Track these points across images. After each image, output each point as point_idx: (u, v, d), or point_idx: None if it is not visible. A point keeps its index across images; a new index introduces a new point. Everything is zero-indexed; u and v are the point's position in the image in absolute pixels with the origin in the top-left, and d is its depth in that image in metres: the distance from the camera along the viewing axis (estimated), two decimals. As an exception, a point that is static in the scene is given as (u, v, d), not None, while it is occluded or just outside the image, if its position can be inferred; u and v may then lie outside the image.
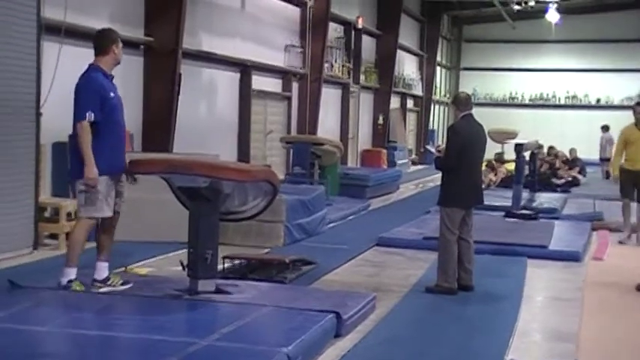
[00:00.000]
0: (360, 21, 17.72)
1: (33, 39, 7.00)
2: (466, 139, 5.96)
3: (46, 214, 7.38)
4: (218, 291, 5.08)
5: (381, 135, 19.72)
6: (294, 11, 14.80)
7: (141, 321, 4.57)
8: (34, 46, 7.01)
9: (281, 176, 10.13)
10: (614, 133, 13.89)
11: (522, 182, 10.86)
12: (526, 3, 21.86)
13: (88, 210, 5.10)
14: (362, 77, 18.55)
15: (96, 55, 5.22)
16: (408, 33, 21.99)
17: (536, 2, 21.95)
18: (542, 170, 14.66)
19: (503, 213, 10.16)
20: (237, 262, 6.40)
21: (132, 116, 8.44)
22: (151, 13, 9.94)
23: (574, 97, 27.12)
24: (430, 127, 24.72)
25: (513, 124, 18.96)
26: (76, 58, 7.13)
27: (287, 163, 13.66)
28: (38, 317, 4.58)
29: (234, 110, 12.46)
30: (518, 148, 10.80)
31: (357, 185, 12.66)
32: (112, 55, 5.21)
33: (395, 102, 21.18)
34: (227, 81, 12.22)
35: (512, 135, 12.50)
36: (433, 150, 7.33)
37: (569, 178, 15.17)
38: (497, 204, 10.55)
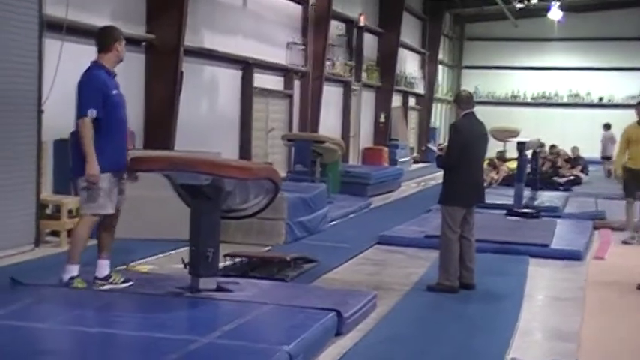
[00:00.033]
0: (362, 19, 17.70)
1: (35, 36, 7.00)
2: (468, 137, 5.95)
3: (48, 211, 7.38)
4: (219, 289, 5.08)
5: (383, 133, 19.71)
6: (296, 9, 14.79)
7: (142, 318, 4.58)
8: (35, 43, 7.01)
9: (282, 174, 10.11)
10: (616, 132, 13.89)
11: (524, 181, 10.84)
12: (528, 1, 21.85)
13: (91, 207, 5.10)
14: (364, 75, 18.53)
15: (99, 52, 5.22)
16: (410, 31, 21.97)
17: (539, 0, 21.92)
18: (544, 169, 14.65)
19: (504, 211, 10.15)
20: (238, 259, 6.40)
21: (133, 114, 8.45)
22: (152, 10, 9.93)
23: (576, 95, 27.09)
24: (432, 125, 24.70)
25: (515, 123, 18.93)
26: (78, 56, 7.13)
27: (288, 161, 13.65)
28: (39, 314, 4.59)
29: (235, 108, 12.45)
30: (520, 146, 10.78)
31: (359, 183, 12.65)
32: (115, 53, 5.21)
33: (397, 100, 21.16)
34: (229, 79, 12.22)
35: (514, 133, 12.48)
36: (435, 148, 7.34)
37: (571, 177, 15.15)
38: (498, 202, 10.54)
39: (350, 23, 17.41)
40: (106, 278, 5.23)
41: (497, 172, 14.39)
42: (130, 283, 5.28)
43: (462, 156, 5.90)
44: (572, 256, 7.54)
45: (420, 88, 23.55)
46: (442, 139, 24.23)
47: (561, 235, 8.51)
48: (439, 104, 26.42)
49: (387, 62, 19.72)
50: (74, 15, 8.21)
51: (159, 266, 6.43)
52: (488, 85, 27.42)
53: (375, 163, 17.64)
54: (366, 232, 8.62)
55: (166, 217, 7.21)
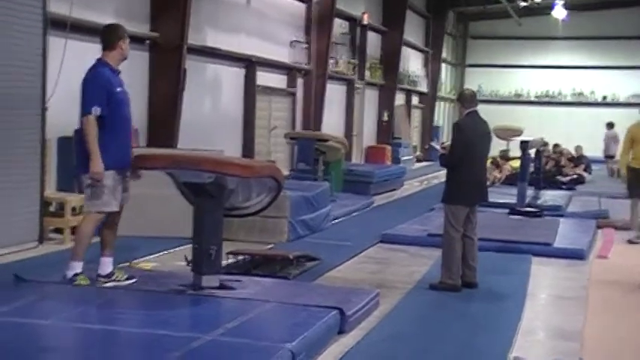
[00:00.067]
0: (365, 17, 17.68)
1: (39, 34, 7.01)
2: (471, 136, 5.95)
3: (52, 209, 7.40)
4: (222, 286, 5.09)
5: (386, 131, 19.69)
6: (300, 7, 14.78)
7: (145, 316, 4.59)
8: (39, 41, 7.02)
9: (285, 172, 10.12)
10: (620, 131, 13.86)
11: (527, 179, 10.84)
12: (533, -1, 21.81)
13: (95, 204, 5.12)
14: (367, 73, 18.52)
15: (103, 50, 5.23)
16: (413, 29, 21.94)
17: (543, -1, 21.89)
18: (548, 168, 14.63)
19: (507, 210, 10.15)
20: (241, 257, 6.40)
21: (136, 111, 8.42)
22: (156, 8, 9.94)
23: (580, 94, 27.03)
24: (435, 123, 24.68)
25: (519, 122, 18.94)
26: (82, 53, 7.16)
27: (291, 159, 13.63)
28: (43, 311, 4.60)
29: (238, 106, 12.46)
30: (524, 145, 10.77)
31: (362, 182, 12.65)
32: (119, 51, 5.22)
33: (400, 98, 21.14)
34: (232, 77, 12.22)
35: (518, 132, 12.50)
36: (438, 147, 7.32)
37: (575, 176, 15.13)
38: (501, 201, 10.54)
39: (353, 21, 17.39)
40: (109, 276, 5.24)
41: (501, 171, 14.37)
42: (133, 280, 5.29)
43: (465, 154, 5.89)
44: (575, 255, 7.53)
45: (423, 87, 23.52)
46: (445, 137, 24.21)
47: (564, 234, 8.50)
48: (442, 103, 26.39)
49: (390, 60, 19.70)
50: (78, 13, 8.22)
51: (162, 264, 6.44)
52: (491, 83, 27.38)
53: (378, 162, 17.64)
54: (369, 231, 8.62)
55: (169, 214, 7.22)
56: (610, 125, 18.87)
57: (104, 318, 4.49)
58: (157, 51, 9.94)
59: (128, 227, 5.98)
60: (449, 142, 6.46)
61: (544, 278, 6.76)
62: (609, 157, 18.24)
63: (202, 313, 4.68)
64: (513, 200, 10.47)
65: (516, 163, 12.87)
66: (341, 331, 4.62)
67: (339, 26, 16.58)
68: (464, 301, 5.63)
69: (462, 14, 27.13)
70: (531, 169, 11.60)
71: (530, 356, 4.41)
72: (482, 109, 6.30)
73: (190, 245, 5.21)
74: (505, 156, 15.50)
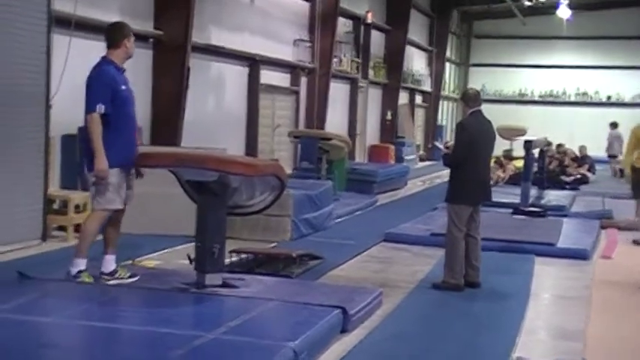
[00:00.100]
0: (369, 16, 17.67)
1: (43, 31, 7.02)
2: (475, 135, 5.94)
3: (55, 206, 7.41)
4: (225, 285, 5.09)
5: (389, 130, 19.68)
6: (303, 6, 14.78)
7: (147, 313, 4.59)
8: (44, 39, 7.03)
9: (288, 171, 10.12)
10: (625, 131, 13.82)
11: (531, 179, 10.82)
12: (537, -1, 21.76)
13: (99, 202, 5.13)
14: (370, 72, 18.51)
15: (108, 48, 5.23)
16: (417, 28, 21.91)
17: (547, -2, 21.84)
18: (551, 167, 14.61)
19: (511, 210, 10.13)
20: (244, 256, 6.40)
21: (140, 110, 8.45)
22: (160, 6, 9.94)
23: (584, 94, 26.98)
24: (439, 123, 24.66)
25: (522, 121, 18.90)
26: (86, 51, 7.17)
27: (294, 158, 13.65)
28: (46, 308, 4.60)
29: (242, 104, 12.46)
30: (527, 145, 10.75)
31: (365, 181, 12.64)
32: (124, 49, 5.22)
33: (403, 97, 21.13)
34: (235, 75, 12.22)
35: (522, 132, 12.46)
36: (441, 146, 7.30)
37: (578, 176, 15.10)
38: (505, 201, 10.52)
39: (357, 20, 17.38)
40: (112, 273, 5.25)
41: (504, 171, 14.36)
42: (136, 278, 5.30)
43: (469, 154, 5.88)
44: (579, 255, 7.52)
45: (426, 86, 23.50)
46: (448, 136, 24.19)
47: (568, 234, 8.49)
48: (446, 102, 26.36)
49: (394, 59, 19.68)
50: (82, 10, 8.23)
51: (165, 262, 6.44)
52: (495, 83, 27.34)
53: (382, 161, 17.64)
54: (372, 230, 8.62)
55: (172, 212, 7.22)
56: (614, 125, 18.83)
57: (107, 316, 4.50)
58: (161, 49, 9.95)
59: (131, 225, 5.99)
60: (452, 142, 6.45)
61: (547, 278, 6.75)
62: (612, 156, 18.21)
63: (205, 312, 4.68)
64: (517, 200, 10.46)
65: (520, 163, 12.86)
66: (344, 330, 4.61)
67: (343, 25, 16.57)
68: (467, 301, 5.63)
69: (466, 13, 27.09)
70: (535, 168, 11.58)
71: (533, 356, 4.41)
72: (486, 109, 6.29)
73: (193, 243, 5.22)
74: (509, 156, 15.48)
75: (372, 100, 19.04)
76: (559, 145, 16.52)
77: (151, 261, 6.43)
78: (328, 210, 8.97)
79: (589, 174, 15.74)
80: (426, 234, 8.12)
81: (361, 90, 17.98)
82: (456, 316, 5.20)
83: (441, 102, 24.74)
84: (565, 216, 10.21)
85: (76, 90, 5.96)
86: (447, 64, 25.63)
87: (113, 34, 5.25)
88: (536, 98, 27.44)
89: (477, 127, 6.00)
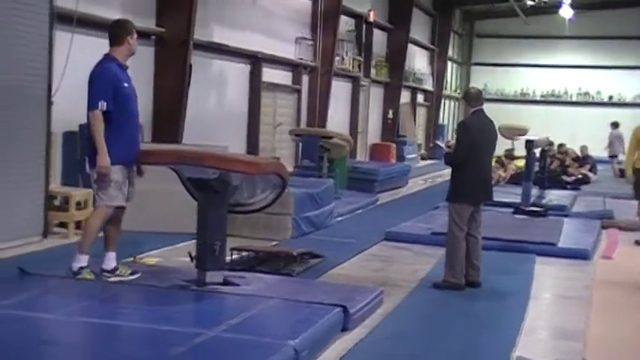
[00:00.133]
0: (371, 14, 17.65)
1: (45, 28, 7.01)
2: (476, 134, 5.93)
3: (56, 203, 7.41)
4: (225, 282, 5.09)
5: (391, 129, 19.68)
6: (306, 4, 14.77)
7: (148, 311, 4.59)
8: (46, 35, 7.02)
9: (290, 169, 10.12)
10: (626, 131, 13.80)
11: (532, 179, 10.81)
12: (539, -2, 21.73)
13: (103, 199, 5.13)
14: (372, 71, 18.50)
15: (111, 45, 5.23)
16: (419, 27, 21.90)
17: (550, -2, 21.81)
18: (553, 167, 14.60)
19: (512, 209, 10.13)
20: (244, 254, 6.41)
21: (142, 106, 8.39)
22: (162, 3, 9.93)
23: (586, 93, 26.96)
24: (440, 122, 24.65)
25: (524, 121, 18.89)
26: (88, 48, 7.16)
27: (296, 156, 13.65)
28: (47, 305, 4.61)
29: (243, 102, 12.46)
30: (529, 144, 10.74)
31: (366, 179, 12.64)
32: (127, 46, 5.22)
33: (405, 96, 21.12)
34: (237, 73, 12.22)
35: (523, 131, 12.44)
36: (443, 145, 7.31)
37: (579, 176, 15.10)
38: (506, 200, 10.52)
39: (359, 19, 17.36)
40: (113, 271, 5.25)
41: (505, 170, 14.35)
42: (137, 275, 5.30)
43: (471, 153, 5.88)
44: (580, 255, 7.52)
45: (428, 85, 23.49)
46: (450, 136, 24.17)
47: (569, 234, 8.48)
48: (447, 101, 26.35)
49: (395, 58, 19.67)
50: (85, 7, 8.23)
51: (165, 259, 6.45)
52: (497, 82, 27.33)
53: (383, 160, 17.64)
54: (373, 229, 8.62)
55: (173, 210, 7.23)
56: (614, 125, 18.81)
57: (108, 313, 4.50)
58: (163, 46, 9.94)
59: (132, 222, 5.99)
60: (454, 141, 6.44)
61: (548, 278, 6.75)
62: (613, 156, 18.20)
63: (206, 309, 4.68)
64: (518, 200, 10.45)
65: (521, 163, 12.85)
66: (344, 329, 4.62)
67: (345, 23, 16.55)
68: (467, 300, 5.63)
69: (468, 12, 27.07)
70: (536, 168, 11.57)
71: (533, 355, 4.40)
72: (488, 108, 6.29)
73: (194, 241, 5.22)
74: (510, 155, 15.47)
75: (374, 98, 19.03)
76: (560, 145, 16.51)
77: (151, 258, 6.43)
78: (329, 208, 8.97)
79: (590, 174, 15.73)
80: (426, 233, 8.12)
81: (363, 88, 17.98)
82: (456, 316, 5.20)
83: (442, 101, 24.73)
84: (566, 216, 10.21)
85: (77, 87, 5.96)
86: (449, 63, 25.61)
87: (116, 31, 5.25)
88: (538, 98, 27.42)
89: (478, 126, 6.00)
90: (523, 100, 27.34)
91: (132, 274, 5.30)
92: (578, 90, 27.02)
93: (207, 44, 10.94)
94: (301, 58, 14.39)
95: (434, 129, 23.70)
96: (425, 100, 23.62)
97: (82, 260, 5.12)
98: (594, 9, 25.13)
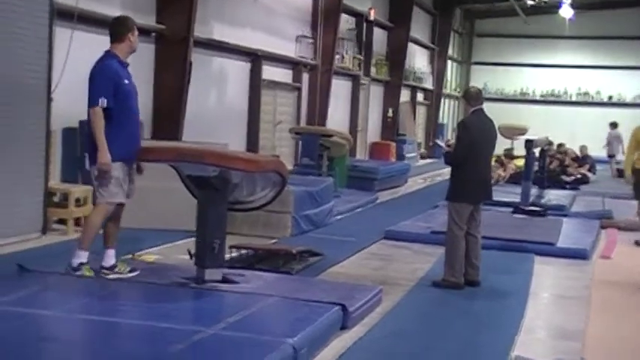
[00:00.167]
0: (372, 13, 17.64)
1: (45, 24, 7.00)
2: (476, 134, 5.93)
3: (55, 199, 7.41)
4: (224, 280, 5.09)
5: (391, 128, 19.68)
6: (306, 2, 14.76)
7: (147, 308, 4.59)
8: (46, 32, 7.01)
9: (289, 167, 10.11)
10: (626, 131, 13.82)
11: (531, 179, 10.81)
12: (540, -2, 21.72)
13: (104, 195, 5.13)
14: (372, 69, 18.49)
15: (112, 42, 5.22)
16: (419, 26, 21.89)
17: (550, -3, 21.80)
18: (552, 167, 14.60)
19: (511, 209, 10.13)
20: (244, 251, 6.41)
21: (141, 104, 8.39)
22: (162, 0, 9.92)
23: (586, 93, 26.97)
24: (440, 121, 24.65)
25: (524, 120, 18.93)
26: (88, 44, 7.16)
27: (296, 154, 13.65)
28: (46, 301, 4.60)
29: (243, 100, 12.45)
30: (528, 144, 10.74)
31: (366, 178, 12.65)
32: (128, 43, 5.21)
33: (405, 95, 21.12)
34: (237, 70, 12.21)
35: (523, 131, 12.47)
36: (443, 144, 7.31)
37: (579, 176, 15.10)
38: (505, 200, 10.52)
39: (360, 17, 17.36)
40: (112, 268, 5.25)
41: (505, 170, 14.35)
42: (136, 272, 5.30)
43: (470, 153, 5.88)
44: (579, 254, 7.52)
45: (428, 84, 23.49)
46: (449, 134, 24.18)
47: (568, 234, 8.48)
48: (447, 100, 26.35)
49: (396, 57, 19.67)
50: (85, 4, 8.22)
51: (165, 256, 6.44)
52: (497, 81, 27.33)
53: (382, 158, 17.64)
54: (373, 227, 8.62)
55: (172, 207, 7.22)
56: (613, 125, 18.83)
57: (107, 310, 4.50)
58: (163, 43, 9.93)
59: (132, 219, 5.98)
60: (454, 140, 6.45)
61: (547, 277, 6.75)
62: (611, 156, 18.22)
63: (205, 307, 4.68)
64: (517, 199, 10.45)
65: (521, 162, 12.85)
66: (343, 327, 4.62)
67: (346, 22, 16.55)
68: (466, 299, 5.63)
69: (468, 12, 27.06)
70: (535, 168, 11.57)
71: (532, 355, 4.40)
72: (488, 108, 6.29)
73: (194, 238, 5.22)
74: (509, 155, 15.48)
75: (374, 97, 19.02)
76: (560, 145, 16.52)
77: (150, 255, 6.43)
78: (329, 207, 8.96)
79: (589, 174, 15.74)
80: (426, 232, 8.12)
81: (363, 87, 17.97)
82: (455, 315, 5.20)
83: (442, 100, 24.73)
84: (565, 215, 10.21)
85: (77, 83, 5.96)
86: (449, 62, 25.61)
87: (117, 28, 5.24)
88: (538, 97, 27.43)
89: (478, 125, 6.00)
90: (523, 99, 27.35)
91: (131, 271, 5.29)
92: (578, 90, 27.03)
93: (207, 42, 10.93)
94: (301, 56, 14.38)
95: (433, 128, 23.71)
96: (425, 98, 23.62)
97: (82, 256, 5.12)
98: (594, 9, 25.12)
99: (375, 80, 18.89)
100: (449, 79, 26.07)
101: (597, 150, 18.17)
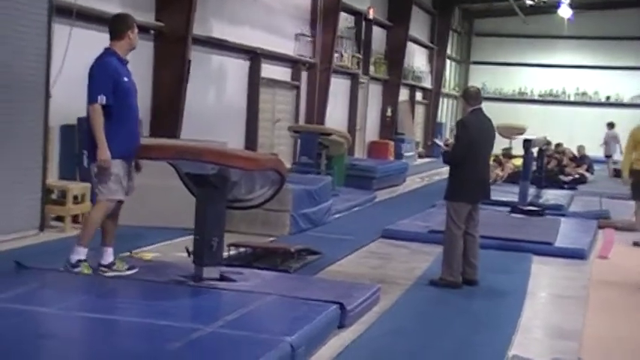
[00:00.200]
0: (371, 12, 17.65)
1: (44, 20, 6.99)
2: (475, 133, 5.94)
3: (53, 196, 7.40)
4: (222, 278, 5.09)
5: (389, 127, 19.69)
6: (305, 0, 14.75)
7: (145, 306, 4.58)
8: (44, 28, 7.00)
9: (288, 165, 10.11)
10: (624, 131, 13.84)
11: (529, 178, 10.83)
12: (539, -2, 21.74)
13: (103, 192, 5.12)
14: (371, 68, 18.50)
15: (111, 39, 5.21)
16: (418, 25, 21.90)
17: (549, -3, 21.82)
18: (550, 167, 14.62)
19: (509, 208, 10.14)
20: (242, 250, 6.41)
21: (140, 101, 8.41)
22: (162, -2, 9.92)
23: (584, 94, 27.01)
24: (438, 120, 24.66)
25: (522, 120, 18.98)
26: (87, 41, 7.15)
27: (294, 153, 13.65)
28: (43, 298, 4.60)
29: (242, 98, 12.44)
30: (527, 144, 10.76)
31: (364, 176, 12.66)
32: (128, 41, 5.20)
33: (404, 94, 21.13)
34: (236, 68, 12.21)
35: (521, 130, 12.51)
36: (441, 144, 7.31)
37: (577, 176, 15.13)
38: (503, 199, 10.53)
39: (359, 16, 17.36)
40: (110, 265, 5.24)
41: (503, 169, 14.37)
42: (134, 270, 5.30)
43: (469, 152, 5.88)
44: (576, 254, 7.53)
45: (427, 83, 23.49)
46: (448, 134, 24.19)
47: (565, 234, 8.50)
48: (446, 99, 26.36)
49: (395, 56, 19.67)
50: (84, 1, 8.20)
51: (163, 254, 6.44)
52: (495, 81, 27.35)
53: (381, 157, 17.65)
54: (371, 226, 8.62)
55: (171, 205, 7.22)
56: (610, 125, 18.86)
57: (105, 307, 4.49)
58: (162, 41, 9.93)
59: (130, 217, 5.98)
60: (452, 140, 6.45)
61: (544, 277, 6.76)
62: (608, 156, 18.24)
63: (203, 305, 4.68)
64: (515, 199, 10.47)
65: (519, 162, 12.88)
66: (341, 326, 4.62)
67: (345, 20, 16.54)
68: (464, 298, 5.64)
69: (467, 11, 27.07)
70: (534, 167, 11.59)
71: (529, 354, 4.41)
72: (486, 107, 6.29)
73: (192, 236, 5.21)
74: (508, 154, 15.49)
75: (373, 96, 19.03)
76: (558, 145, 16.55)
77: (149, 253, 6.43)
78: (327, 205, 8.97)
79: (587, 174, 15.76)
80: (424, 231, 8.13)
81: (362, 86, 17.97)
82: (453, 314, 5.21)
83: (441, 99, 24.75)
84: (563, 215, 10.22)
85: (75, 80, 5.95)
86: (448, 62, 25.63)
87: (117, 26, 5.24)
88: (536, 97, 27.46)
89: (477, 125, 6.00)
90: (521, 99, 27.37)
91: (129, 269, 5.29)
92: (576, 90, 27.06)
93: (206, 39, 10.92)
94: (300, 55, 14.37)
95: (432, 127, 23.72)
96: (423, 98, 23.63)
97: (81, 253, 5.11)
98: (593, 9, 25.15)
99: (374, 79, 18.89)
100: (447, 78, 26.08)
101: (595, 150, 18.20)
